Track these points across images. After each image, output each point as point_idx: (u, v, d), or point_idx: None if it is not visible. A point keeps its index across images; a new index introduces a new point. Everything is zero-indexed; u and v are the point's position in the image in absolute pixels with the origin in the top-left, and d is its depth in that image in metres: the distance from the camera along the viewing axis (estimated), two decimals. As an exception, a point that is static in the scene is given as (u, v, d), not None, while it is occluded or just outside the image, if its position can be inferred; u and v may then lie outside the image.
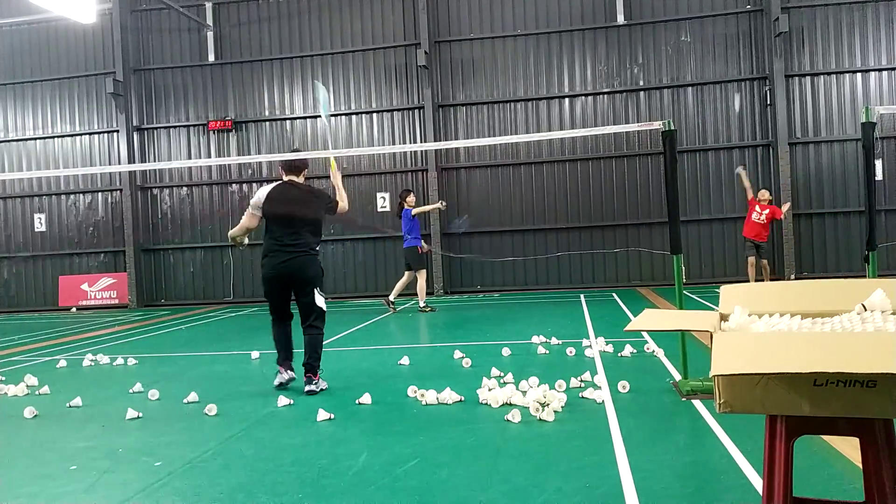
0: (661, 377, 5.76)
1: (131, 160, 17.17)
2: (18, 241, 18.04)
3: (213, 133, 17.22)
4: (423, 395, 5.25)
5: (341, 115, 16.72)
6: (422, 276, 12.08)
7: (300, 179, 6.12)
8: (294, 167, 6.12)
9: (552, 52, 16.01)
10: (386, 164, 16.65)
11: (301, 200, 5.95)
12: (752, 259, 12.96)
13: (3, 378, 6.98)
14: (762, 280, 12.74)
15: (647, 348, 6.86)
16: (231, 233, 6.34)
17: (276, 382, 5.91)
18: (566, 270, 15.93)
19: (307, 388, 5.74)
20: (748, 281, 12.91)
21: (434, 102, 16.12)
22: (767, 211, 12.78)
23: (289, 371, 5.95)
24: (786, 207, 13.47)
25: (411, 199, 12.12)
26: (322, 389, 5.81)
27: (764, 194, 12.96)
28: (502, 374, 5.90)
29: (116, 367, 7.76)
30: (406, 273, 12.22)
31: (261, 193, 6.02)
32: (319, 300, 5.88)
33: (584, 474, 3.52)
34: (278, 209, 5.89)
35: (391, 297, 12.26)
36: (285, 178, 6.10)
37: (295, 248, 5.81)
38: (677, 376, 5.58)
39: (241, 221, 6.18)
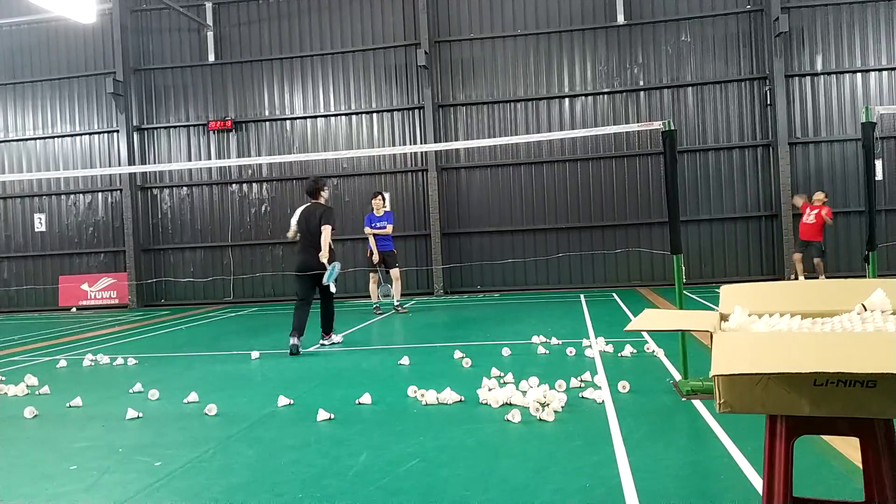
0: (661, 377, 5.76)
1: (131, 160, 17.17)
2: (18, 241, 18.04)
3: (213, 133, 17.22)
4: (423, 395, 5.25)
5: (341, 115, 16.74)
6: (372, 279, 12.31)
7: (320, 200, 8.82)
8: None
9: (552, 52, 16.01)
10: (386, 165, 16.64)
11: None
12: (797, 255, 13.09)
13: (3, 378, 6.98)
14: (815, 277, 12.68)
15: (647, 348, 6.86)
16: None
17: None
18: (566, 270, 15.93)
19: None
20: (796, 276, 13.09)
21: (434, 102, 16.12)
22: (816, 211, 12.81)
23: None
24: (821, 198, 13.03)
25: (375, 201, 12.15)
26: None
27: (819, 196, 12.96)
28: (502, 374, 5.90)
29: (116, 367, 7.76)
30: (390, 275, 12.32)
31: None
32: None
33: (584, 474, 3.52)
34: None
35: (395, 303, 12.38)
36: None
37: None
38: (677, 376, 5.58)
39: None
